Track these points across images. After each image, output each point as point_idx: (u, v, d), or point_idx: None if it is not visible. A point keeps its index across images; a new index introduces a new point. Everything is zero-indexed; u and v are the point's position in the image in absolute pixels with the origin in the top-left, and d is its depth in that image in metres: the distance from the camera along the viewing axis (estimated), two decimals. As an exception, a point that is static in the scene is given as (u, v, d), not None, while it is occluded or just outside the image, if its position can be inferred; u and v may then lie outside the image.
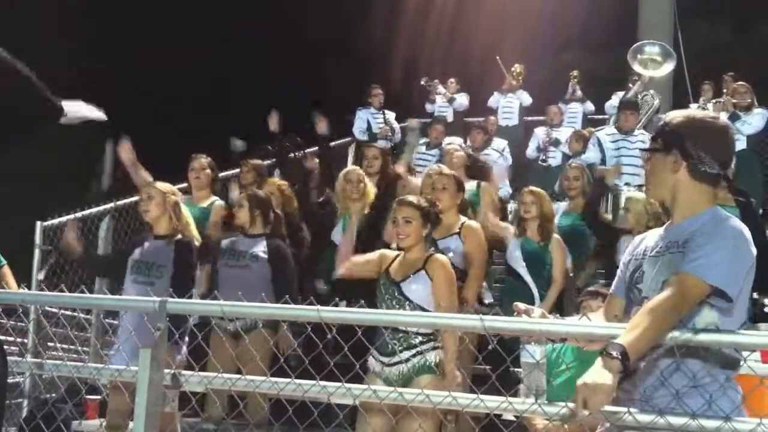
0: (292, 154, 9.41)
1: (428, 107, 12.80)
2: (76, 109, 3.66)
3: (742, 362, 2.67)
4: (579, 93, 12.86)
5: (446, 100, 12.58)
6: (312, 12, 22.60)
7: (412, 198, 4.81)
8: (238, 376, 3.29)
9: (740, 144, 9.60)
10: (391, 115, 11.93)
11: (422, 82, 12.89)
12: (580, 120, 12.43)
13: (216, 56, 22.73)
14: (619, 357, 2.39)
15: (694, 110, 2.89)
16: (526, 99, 12.60)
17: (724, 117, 9.58)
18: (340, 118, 10.44)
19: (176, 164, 7.02)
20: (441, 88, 12.69)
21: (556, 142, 11.08)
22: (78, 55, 21.09)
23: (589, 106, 12.73)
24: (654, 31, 12.13)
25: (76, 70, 21.40)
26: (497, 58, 12.98)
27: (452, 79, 12.98)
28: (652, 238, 2.88)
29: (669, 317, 2.51)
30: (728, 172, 2.79)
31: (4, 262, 6.29)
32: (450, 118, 12.29)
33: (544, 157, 11.13)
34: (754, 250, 2.66)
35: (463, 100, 12.69)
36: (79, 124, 3.67)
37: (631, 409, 2.57)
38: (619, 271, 2.98)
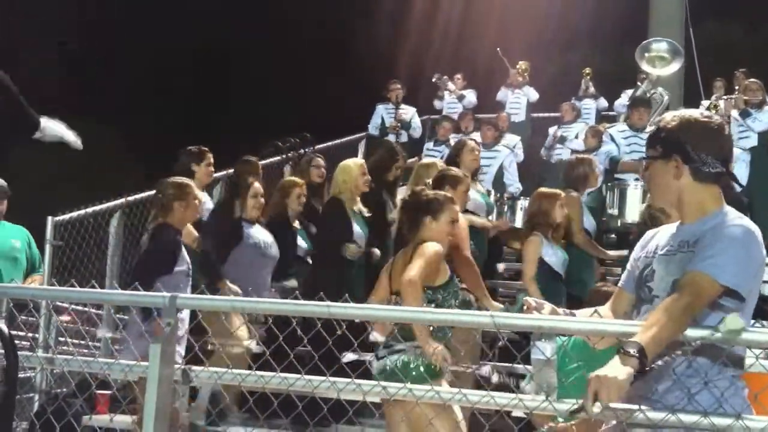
0: (302, 150, 9.46)
1: (437, 104, 12.80)
2: (54, 128, 3.75)
3: (754, 360, 2.66)
4: (592, 90, 12.85)
5: (455, 98, 12.57)
6: (312, 12, 22.60)
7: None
8: (247, 372, 3.29)
9: (751, 141, 9.57)
10: (409, 111, 11.88)
11: (434, 80, 12.88)
12: (594, 117, 12.43)
13: (216, 56, 22.76)
14: (637, 355, 2.39)
15: (686, 111, 2.84)
16: (533, 95, 12.61)
17: (735, 114, 9.62)
18: (341, 116, 10.47)
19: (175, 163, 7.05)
20: (451, 85, 12.69)
21: (562, 140, 11.07)
22: (78, 54, 21.18)
23: (603, 102, 12.72)
24: (665, 28, 12.08)
25: (77, 70, 21.51)
26: (498, 50, 12.98)
27: (458, 75, 12.96)
28: (663, 235, 2.86)
29: (684, 317, 2.51)
30: (731, 168, 2.78)
31: (41, 271, 6.43)
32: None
33: (549, 156, 11.13)
34: (765, 251, 2.64)
35: (471, 97, 12.70)
36: (53, 141, 3.75)
37: (643, 407, 2.56)
38: (628, 266, 2.97)
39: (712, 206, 2.73)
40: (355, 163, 6.89)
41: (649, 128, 8.77)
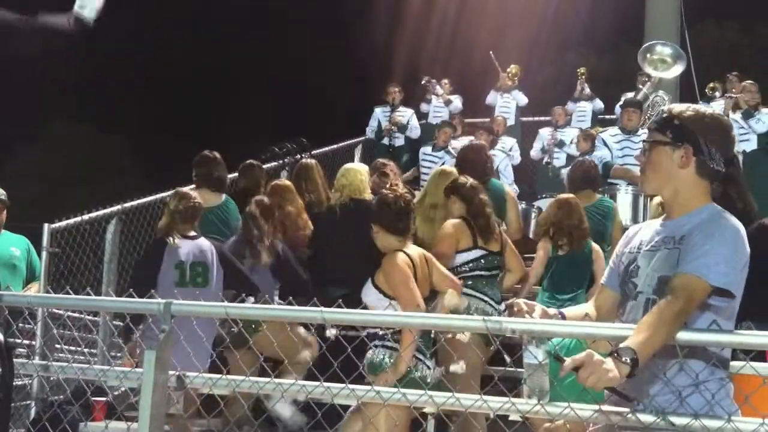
0: (298, 156, 9.46)
1: (423, 107, 12.77)
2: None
3: (744, 363, 2.68)
4: (587, 91, 12.76)
5: (442, 102, 12.57)
6: (312, 12, 22.64)
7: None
8: (242, 377, 3.30)
9: (751, 144, 9.56)
10: (406, 113, 11.88)
11: (423, 82, 12.87)
12: (590, 119, 12.35)
13: (216, 56, 22.79)
14: (629, 363, 2.40)
15: (699, 106, 2.85)
16: (522, 99, 12.58)
17: (738, 115, 9.54)
18: (340, 118, 10.48)
19: (177, 164, 7.05)
20: (439, 89, 12.68)
21: (561, 144, 11.04)
22: (79, 54, 21.13)
23: (598, 104, 12.65)
24: (661, 30, 12.09)
25: (78, 71, 21.50)
26: (491, 53, 12.98)
27: (445, 80, 12.94)
28: (647, 231, 2.85)
29: (677, 321, 2.52)
30: (732, 170, 2.76)
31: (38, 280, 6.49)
32: (446, 119, 12.29)
33: (548, 159, 11.10)
34: (748, 249, 2.66)
35: (457, 103, 12.69)
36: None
37: (613, 388, 2.56)
38: (611, 263, 2.96)
39: (698, 202, 2.73)
40: (361, 167, 6.94)
41: (642, 130, 8.82)
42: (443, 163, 9.58)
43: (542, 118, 12.94)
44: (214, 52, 22.79)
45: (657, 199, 6.20)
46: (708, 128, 2.72)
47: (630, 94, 11.20)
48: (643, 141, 2.86)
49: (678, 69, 10.53)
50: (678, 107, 2.82)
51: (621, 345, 2.45)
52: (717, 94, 11.07)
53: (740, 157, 9.19)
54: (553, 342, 4.00)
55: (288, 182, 7.23)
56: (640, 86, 10.98)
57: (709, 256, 2.57)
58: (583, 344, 4.28)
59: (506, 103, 12.47)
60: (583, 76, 12.81)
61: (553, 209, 6.26)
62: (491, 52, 12.97)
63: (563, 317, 2.90)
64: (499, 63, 12.89)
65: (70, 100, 21.66)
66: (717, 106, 10.29)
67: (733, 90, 10.52)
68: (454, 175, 6.13)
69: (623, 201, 7.89)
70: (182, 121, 21.51)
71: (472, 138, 10.17)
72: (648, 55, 10.50)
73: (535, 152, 11.42)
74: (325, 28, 22.73)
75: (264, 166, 8.76)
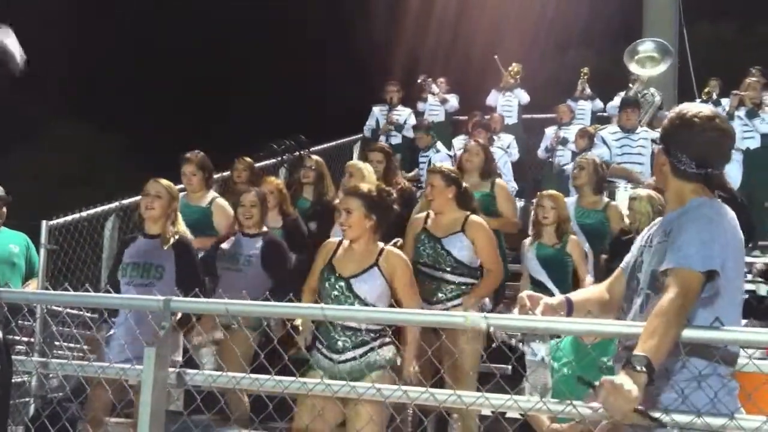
0: (297, 153, 9.46)
1: (420, 106, 12.74)
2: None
3: (747, 360, 2.67)
4: (588, 91, 12.76)
5: (438, 101, 12.53)
6: (312, 12, 22.63)
7: (357, 186, 4.57)
8: (242, 374, 3.29)
9: (755, 142, 9.54)
10: (404, 112, 11.85)
11: (419, 80, 12.83)
12: (589, 118, 12.34)
13: (216, 56, 22.77)
14: (645, 370, 2.39)
15: (687, 107, 2.87)
16: (524, 97, 12.56)
17: (742, 112, 9.52)
18: (340, 117, 10.46)
19: (177, 164, 7.03)
20: (434, 88, 12.65)
21: (564, 141, 11.04)
22: (79, 54, 21.15)
23: (598, 103, 12.65)
24: (659, 28, 12.08)
25: (77, 70, 21.49)
26: (495, 57, 12.94)
27: (442, 79, 12.90)
28: (655, 226, 2.92)
29: (680, 318, 2.52)
30: (711, 172, 2.77)
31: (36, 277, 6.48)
32: (441, 118, 12.28)
33: (551, 158, 11.09)
34: (737, 232, 2.68)
35: (454, 102, 12.65)
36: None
37: (638, 407, 2.56)
38: (633, 249, 2.99)
39: (687, 198, 2.78)
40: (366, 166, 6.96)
41: (640, 128, 8.82)
42: (430, 161, 9.66)
43: (540, 116, 12.93)
44: (214, 52, 22.75)
45: (638, 192, 6.27)
46: (678, 131, 2.79)
47: (623, 94, 11.20)
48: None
49: (666, 63, 10.50)
50: (674, 109, 2.91)
51: (632, 353, 2.44)
52: (714, 96, 11.05)
53: (738, 155, 9.18)
54: (552, 342, 4.00)
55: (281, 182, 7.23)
56: (631, 85, 10.97)
57: (689, 245, 2.60)
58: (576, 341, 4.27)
59: (508, 102, 12.44)
60: (586, 77, 12.80)
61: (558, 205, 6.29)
62: (496, 56, 12.91)
63: (569, 301, 2.91)
64: (502, 65, 12.84)
65: (69, 100, 21.63)
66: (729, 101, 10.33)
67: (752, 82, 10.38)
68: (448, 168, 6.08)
69: (622, 199, 7.89)
70: (182, 120, 21.47)
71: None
72: (635, 57, 10.49)
73: (540, 152, 11.44)
74: (325, 28, 22.71)
75: (263, 163, 8.79)
